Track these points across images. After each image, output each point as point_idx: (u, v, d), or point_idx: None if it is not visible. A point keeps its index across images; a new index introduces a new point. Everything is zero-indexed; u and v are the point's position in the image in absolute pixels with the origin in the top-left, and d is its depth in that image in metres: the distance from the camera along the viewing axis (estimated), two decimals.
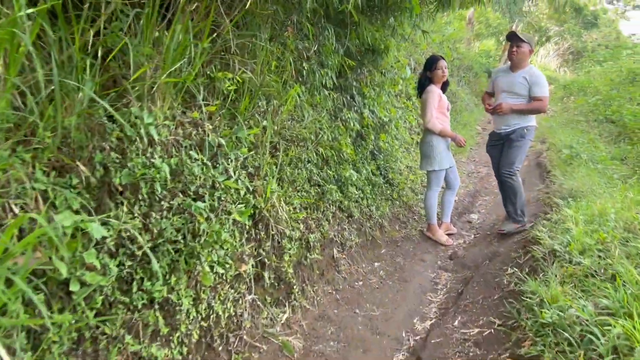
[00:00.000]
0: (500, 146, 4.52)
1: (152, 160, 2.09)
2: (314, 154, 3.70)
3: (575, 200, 4.05)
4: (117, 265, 1.97)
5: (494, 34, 21.20)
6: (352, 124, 4.49)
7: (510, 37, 4.43)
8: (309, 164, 3.66)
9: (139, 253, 2.04)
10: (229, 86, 2.73)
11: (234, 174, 2.65)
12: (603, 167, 5.29)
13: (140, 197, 2.08)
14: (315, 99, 4.04)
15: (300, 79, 3.77)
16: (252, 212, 2.76)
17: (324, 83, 4.11)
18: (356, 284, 3.73)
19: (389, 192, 5.16)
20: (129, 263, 2.01)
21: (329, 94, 4.33)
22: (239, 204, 2.60)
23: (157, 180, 2.08)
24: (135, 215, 2.07)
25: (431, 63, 4.64)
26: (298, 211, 3.27)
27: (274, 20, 3.42)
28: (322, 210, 3.68)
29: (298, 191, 3.41)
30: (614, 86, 10.70)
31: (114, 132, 2.09)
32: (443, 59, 4.68)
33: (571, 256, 3.08)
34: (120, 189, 2.04)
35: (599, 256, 3.03)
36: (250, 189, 2.76)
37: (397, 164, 5.76)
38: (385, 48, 5.29)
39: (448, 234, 4.96)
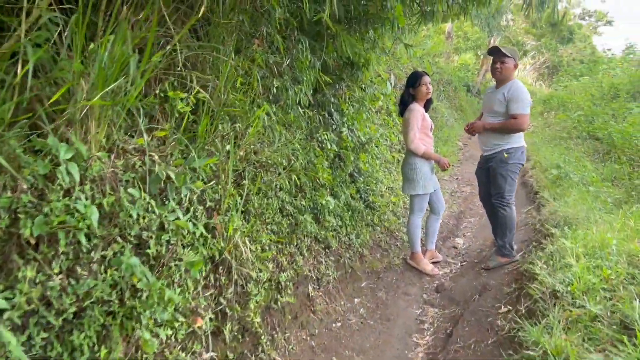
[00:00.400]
0: (486, 171, 4.20)
1: (76, 204, 1.67)
2: (287, 181, 3.31)
3: (571, 229, 3.73)
4: (27, 340, 1.54)
5: (472, 48, 21.25)
6: (329, 145, 4.12)
7: (492, 52, 4.12)
8: (281, 192, 3.27)
9: (58, 322, 1.61)
10: (182, 107, 2.33)
11: (188, 211, 2.24)
12: (596, 190, 5.01)
13: (60, 250, 1.65)
14: (288, 118, 3.67)
15: (270, 97, 3.39)
16: (210, 256, 2.35)
17: (298, 101, 3.74)
18: (334, 325, 3.33)
19: (369, 217, 4.80)
20: (44, 335, 1.58)
21: (304, 112, 3.96)
22: (193, 247, 2.19)
23: (81, 229, 1.66)
24: (54, 273, 1.64)
25: (415, 79, 4.31)
26: (267, 249, 2.87)
27: (240, 31, 3.05)
28: (295, 244, 3.29)
29: (267, 224, 3.01)
30: (596, 102, 10.59)
31: (30, 167, 1.67)
32: (427, 74, 4.36)
33: (574, 298, 2.75)
34: (33, 241, 1.62)
35: (605, 297, 2.71)
36: (207, 229, 2.35)
37: (378, 185, 5.41)
38: (366, 62, 4.98)
39: (433, 262, 4.61)
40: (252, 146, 3.05)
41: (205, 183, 2.41)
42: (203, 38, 2.81)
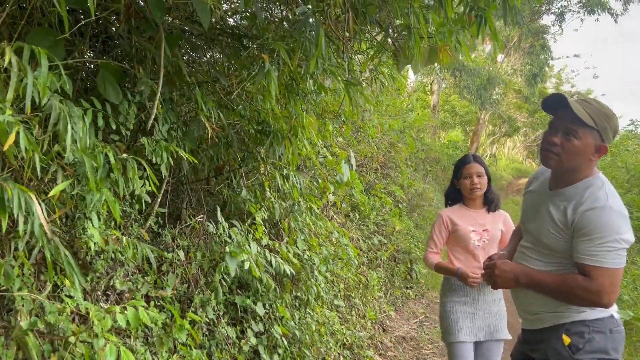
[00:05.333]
0: None
1: None
2: None
3: None
4: None
5: (460, 124, 19.54)
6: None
7: (551, 108, 1.72)
8: None
9: None
10: None
11: None
12: None
13: None
14: None
15: None
16: None
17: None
18: None
19: None
20: None
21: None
22: None
23: None
24: None
25: (458, 166, 2.61)
26: None
27: None
28: None
29: None
30: (622, 187, 8.31)
31: None
32: (478, 160, 2.57)
33: None
34: None
35: None
36: None
37: (321, 350, 2.94)
38: (293, 130, 2.81)
39: None
40: None
41: None
42: None
